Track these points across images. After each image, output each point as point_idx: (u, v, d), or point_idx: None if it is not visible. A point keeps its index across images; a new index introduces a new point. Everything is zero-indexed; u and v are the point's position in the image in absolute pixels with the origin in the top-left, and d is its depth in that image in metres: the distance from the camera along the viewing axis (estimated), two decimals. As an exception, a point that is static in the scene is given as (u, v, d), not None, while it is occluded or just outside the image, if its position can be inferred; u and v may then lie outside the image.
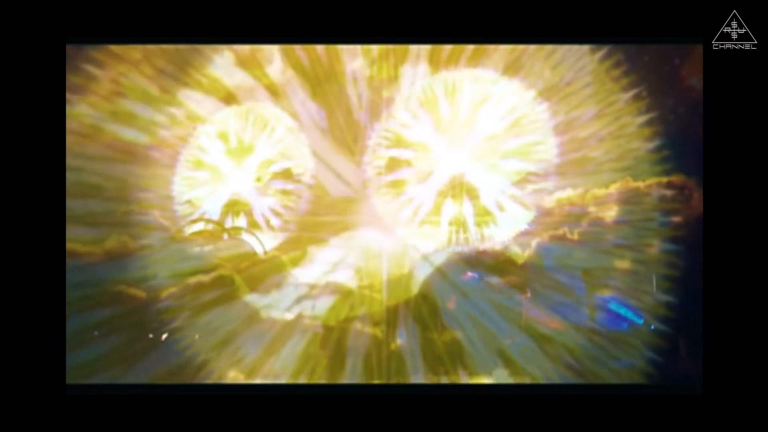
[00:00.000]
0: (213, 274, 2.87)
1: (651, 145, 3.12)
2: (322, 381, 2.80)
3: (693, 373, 2.67)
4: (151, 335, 2.69)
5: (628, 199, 3.16)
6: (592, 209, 3.21)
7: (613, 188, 3.19)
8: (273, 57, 3.37)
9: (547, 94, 3.30)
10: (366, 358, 2.89)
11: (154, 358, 2.61)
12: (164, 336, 2.73)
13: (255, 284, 2.96)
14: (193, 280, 2.80)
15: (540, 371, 3.09)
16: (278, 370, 2.75)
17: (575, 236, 3.20)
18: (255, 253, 3.49)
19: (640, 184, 3.15)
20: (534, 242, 3.28)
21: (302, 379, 2.78)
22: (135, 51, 3.04)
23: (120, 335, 2.67)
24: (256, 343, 2.78)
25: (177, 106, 3.20)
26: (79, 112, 2.97)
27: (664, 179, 3.10)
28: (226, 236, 3.65)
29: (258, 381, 2.76)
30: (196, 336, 2.69)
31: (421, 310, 3.27)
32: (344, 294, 3.32)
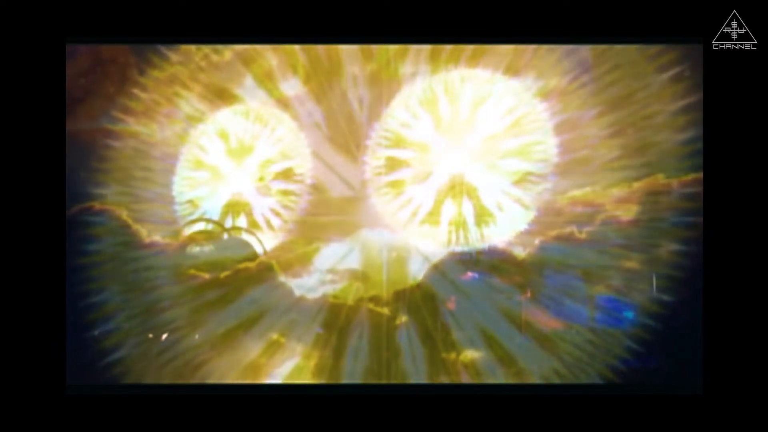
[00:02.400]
0: (257, 262, 3.47)
1: (686, 135, 2.86)
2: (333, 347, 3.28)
3: (693, 373, 2.67)
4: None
5: (654, 197, 2.99)
6: (610, 207, 3.12)
7: (638, 185, 3.05)
8: (291, 76, 3.56)
9: (553, 90, 3.25)
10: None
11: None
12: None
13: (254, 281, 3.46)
14: (242, 266, 3.44)
15: (539, 371, 3.09)
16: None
17: (583, 235, 3.15)
18: (255, 253, 3.51)
19: (674, 182, 2.94)
20: (537, 241, 3.27)
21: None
22: (180, 74, 3.53)
23: (190, 305, 3.36)
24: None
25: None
26: (135, 130, 3.49)
27: (700, 175, 2.82)
28: (226, 236, 3.66)
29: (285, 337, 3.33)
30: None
31: (421, 310, 3.28)
32: (343, 297, 3.36)
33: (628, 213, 3.08)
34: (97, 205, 3.30)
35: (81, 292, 3.12)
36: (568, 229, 3.20)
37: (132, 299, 3.33)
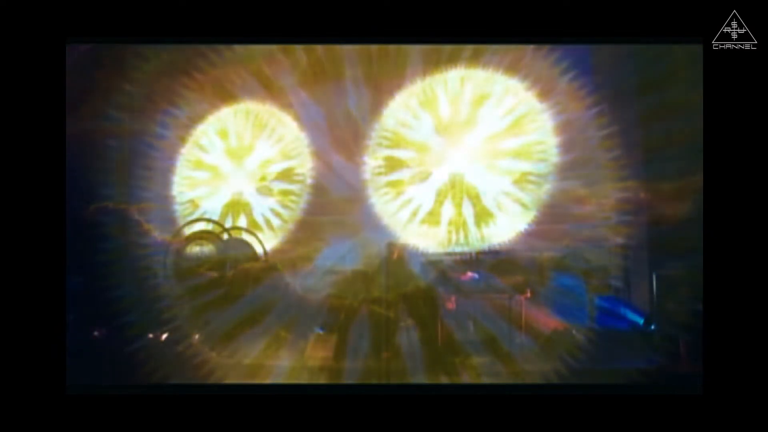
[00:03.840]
0: (262, 260, 3.61)
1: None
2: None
3: (693, 373, 2.67)
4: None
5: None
6: (657, 204, 3.03)
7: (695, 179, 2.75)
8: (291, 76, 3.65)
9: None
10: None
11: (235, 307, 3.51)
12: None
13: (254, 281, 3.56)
14: (247, 265, 3.56)
15: (539, 371, 3.08)
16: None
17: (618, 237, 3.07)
18: (255, 253, 3.53)
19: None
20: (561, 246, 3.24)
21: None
22: (180, 72, 3.62)
23: (204, 297, 3.49)
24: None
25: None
26: (138, 129, 3.63)
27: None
28: (226, 236, 3.67)
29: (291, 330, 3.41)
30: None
31: (421, 309, 3.28)
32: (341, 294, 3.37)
33: (674, 212, 2.98)
34: (111, 205, 3.41)
35: (101, 287, 3.24)
36: (586, 231, 3.18)
37: (147, 293, 3.44)
